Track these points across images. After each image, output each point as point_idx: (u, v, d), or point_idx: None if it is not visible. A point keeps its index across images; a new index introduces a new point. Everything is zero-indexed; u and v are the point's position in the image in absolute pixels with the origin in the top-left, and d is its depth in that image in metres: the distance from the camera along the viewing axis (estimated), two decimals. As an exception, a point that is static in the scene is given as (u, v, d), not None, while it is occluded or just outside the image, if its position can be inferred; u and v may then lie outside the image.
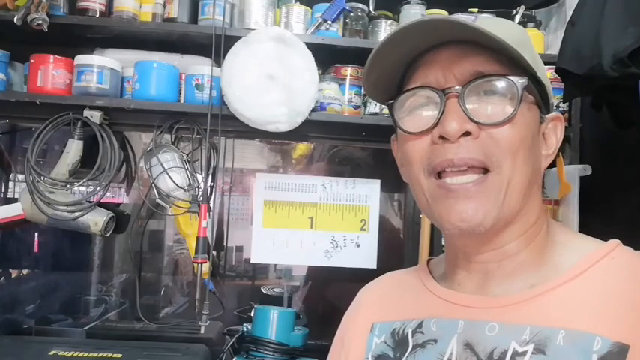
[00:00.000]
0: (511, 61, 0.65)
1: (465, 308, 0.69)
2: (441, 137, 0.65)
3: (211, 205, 1.55)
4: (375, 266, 1.74)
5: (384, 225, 1.85)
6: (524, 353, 0.61)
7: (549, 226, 0.72)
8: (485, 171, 0.65)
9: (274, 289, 2.54)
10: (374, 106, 1.57)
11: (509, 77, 0.65)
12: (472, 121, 0.64)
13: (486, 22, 0.67)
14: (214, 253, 1.70)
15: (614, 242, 0.68)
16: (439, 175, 0.67)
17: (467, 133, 0.64)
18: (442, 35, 0.66)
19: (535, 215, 0.70)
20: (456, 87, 0.65)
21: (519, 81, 0.65)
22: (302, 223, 1.74)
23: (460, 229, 0.65)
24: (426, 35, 0.66)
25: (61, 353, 1.39)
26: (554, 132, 0.73)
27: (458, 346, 0.66)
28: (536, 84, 0.68)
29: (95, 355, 1.38)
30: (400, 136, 0.72)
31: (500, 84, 0.65)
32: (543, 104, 0.70)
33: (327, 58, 1.59)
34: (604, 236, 0.70)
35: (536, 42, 1.62)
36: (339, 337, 0.84)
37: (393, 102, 0.71)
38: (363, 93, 1.60)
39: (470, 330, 0.66)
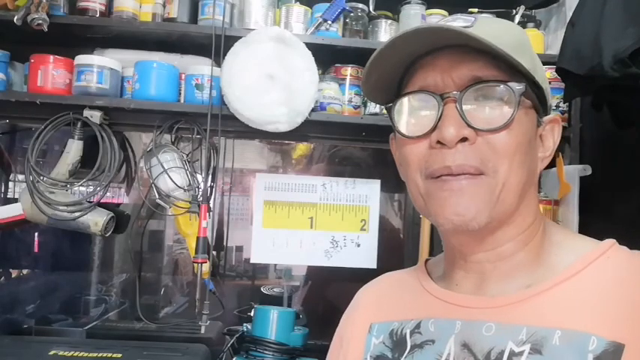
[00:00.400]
0: (509, 66, 0.65)
1: (462, 309, 0.69)
2: (439, 142, 0.65)
3: (211, 205, 1.55)
4: (375, 266, 1.74)
5: (384, 225, 1.85)
6: (520, 353, 0.62)
7: (546, 227, 0.72)
8: (481, 174, 0.65)
9: (274, 289, 2.54)
10: (374, 106, 1.57)
11: (506, 83, 0.65)
12: (469, 126, 0.65)
13: (486, 24, 0.67)
14: (214, 253, 1.70)
15: (610, 242, 0.68)
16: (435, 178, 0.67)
17: (464, 139, 0.65)
18: (441, 40, 0.66)
19: (531, 217, 0.70)
20: (454, 92, 0.65)
21: (517, 87, 0.65)
22: (302, 223, 1.73)
23: (454, 222, 0.66)
24: (424, 40, 0.66)
25: (61, 353, 1.38)
26: (552, 134, 0.73)
27: (455, 346, 0.67)
28: (534, 88, 0.68)
29: (95, 355, 1.38)
30: (398, 138, 0.72)
31: (498, 90, 0.65)
32: (541, 107, 0.71)
33: (327, 58, 1.59)
34: (604, 236, 0.70)
35: (536, 42, 1.61)
36: (337, 337, 0.85)
37: (392, 105, 0.71)
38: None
39: (467, 330, 0.67)
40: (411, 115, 0.70)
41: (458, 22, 0.67)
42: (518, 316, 0.64)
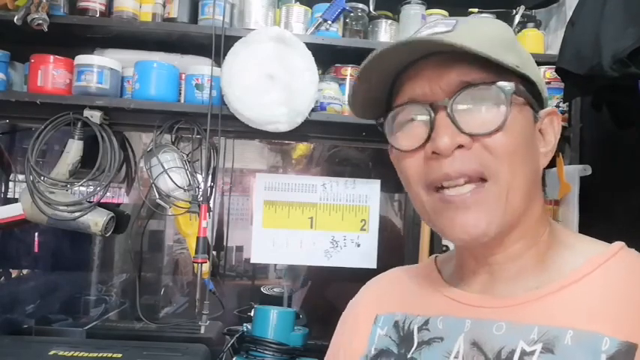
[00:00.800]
0: (497, 65, 0.64)
1: (472, 308, 0.69)
2: (434, 152, 0.65)
3: (211, 205, 1.55)
4: (375, 266, 1.74)
5: (384, 225, 1.84)
6: (532, 353, 0.61)
7: (553, 229, 0.72)
8: (483, 180, 0.64)
9: (274, 289, 2.53)
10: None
11: (495, 84, 0.64)
12: (463, 132, 0.64)
13: (467, 27, 0.66)
14: (214, 253, 1.70)
15: (619, 244, 0.68)
16: (438, 189, 0.66)
17: (460, 146, 0.64)
18: (423, 50, 0.65)
19: (537, 213, 0.70)
20: (444, 99, 0.64)
21: (506, 87, 0.64)
22: (302, 223, 1.73)
23: (465, 241, 0.66)
24: (407, 52, 0.65)
25: (61, 353, 1.38)
26: (552, 127, 0.71)
27: (465, 344, 0.66)
28: (526, 84, 0.67)
29: (95, 355, 1.38)
30: (395, 152, 0.71)
31: (488, 92, 0.64)
32: (536, 102, 0.69)
33: (327, 58, 1.59)
34: (604, 236, 0.70)
35: (536, 42, 1.61)
36: (340, 327, 0.85)
37: (383, 120, 0.71)
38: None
39: (477, 329, 0.66)
40: (404, 127, 0.68)
41: (439, 27, 0.66)
42: (529, 315, 0.64)
